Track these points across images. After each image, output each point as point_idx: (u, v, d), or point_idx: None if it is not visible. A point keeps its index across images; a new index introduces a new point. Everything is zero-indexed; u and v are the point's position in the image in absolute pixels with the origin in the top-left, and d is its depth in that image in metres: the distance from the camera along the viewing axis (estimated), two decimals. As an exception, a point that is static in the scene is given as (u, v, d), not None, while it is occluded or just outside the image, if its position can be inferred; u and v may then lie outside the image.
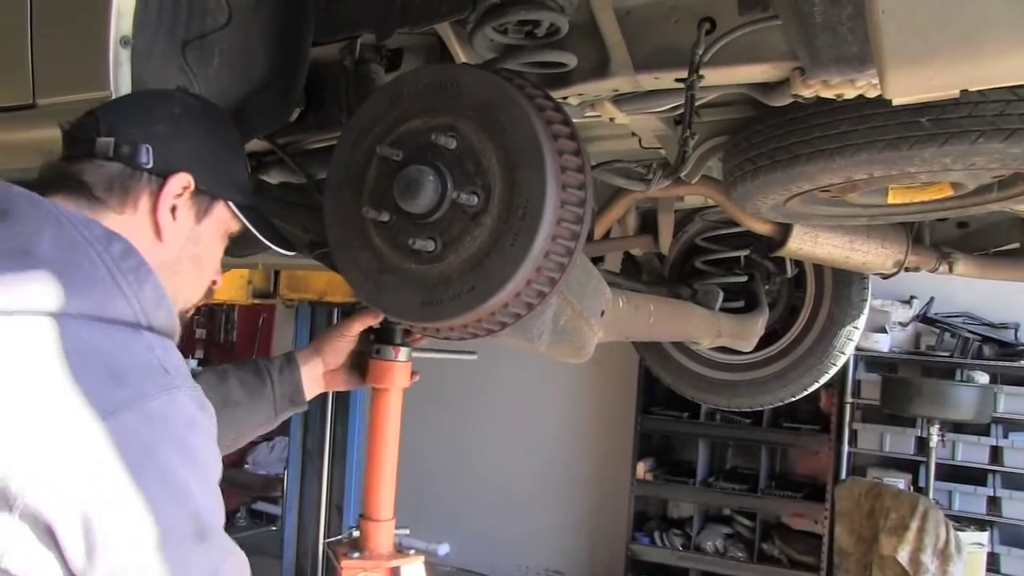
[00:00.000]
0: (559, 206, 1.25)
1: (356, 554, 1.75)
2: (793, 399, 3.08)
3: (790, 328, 3.02)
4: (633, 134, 1.88)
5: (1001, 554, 4.73)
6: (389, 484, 1.80)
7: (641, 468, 5.71)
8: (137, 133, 1.10)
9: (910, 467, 5.05)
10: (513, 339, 1.40)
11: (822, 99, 1.37)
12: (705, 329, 2.64)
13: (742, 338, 2.83)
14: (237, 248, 1.27)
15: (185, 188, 1.12)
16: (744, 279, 2.89)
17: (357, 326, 1.71)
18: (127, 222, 1.08)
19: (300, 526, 5.39)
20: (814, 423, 5.28)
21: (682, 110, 1.44)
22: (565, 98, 1.55)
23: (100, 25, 1.27)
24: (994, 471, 4.82)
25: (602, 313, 1.66)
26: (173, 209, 1.11)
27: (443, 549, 6.64)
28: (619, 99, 1.59)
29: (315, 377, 1.70)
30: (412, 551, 1.79)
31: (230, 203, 1.19)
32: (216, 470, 0.98)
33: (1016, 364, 4.81)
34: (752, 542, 5.43)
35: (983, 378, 4.75)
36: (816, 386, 3.04)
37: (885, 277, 2.47)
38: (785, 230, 2.19)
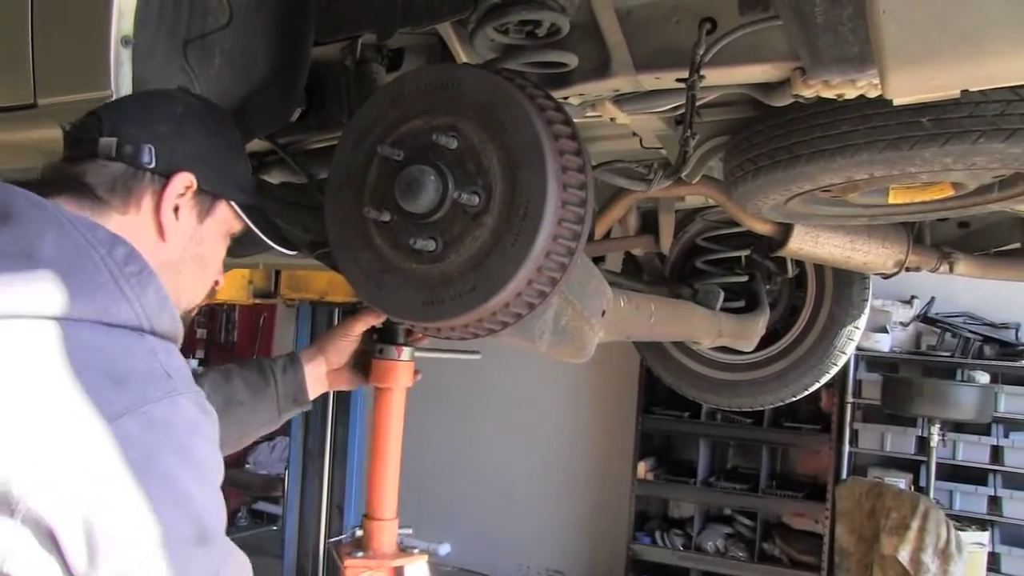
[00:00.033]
0: (560, 206, 1.25)
1: (360, 553, 1.75)
2: (794, 399, 3.08)
3: (791, 328, 3.02)
4: (634, 134, 1.88)
5: (1002, 554, 4.73)
6: (392, 483, 1.80)
7: (642, 468, 5.71)
8: (139, 133, 1.10)
9: (911, 467, 5.05)
10: (514, 339, 1.40)
11: (823, 99, 1.37)
12: (706, 329, 2.64)
13: (743, 338, 2.83)
14: (239, 248, 1.27)
15: (188, 188, 1.12)
16: (745, 279, 2.89)
17: (360, 326, 1.71)
18: (130, 222, 1.08)
19: (301, 526, 5.39)
20: (815, 423, 5.27)
21: (683, 110, 1.44)
22: (566, 98, 1.55)
23: (101, 25, 1.27)
24: (995, 471, 4.82)
25: (603, 313, 1.66)
26: (176, 209, 1.11)
27: (444, 549, 6.64)
28: (620, 99, 1.59)
29: (318, 377, 1.71)
30: (416, 550, 1.79)
31: (232, 203, 1.19)
32: (218, 474, 0.98)
33: (1017, 364, 4.81)
34: (753, 542, 5.43)
35: (984, 378, 4.75)
36: (817, 386, 3.04)
37: (886, 277, 2.47)
38: (786, 230, 2.19)
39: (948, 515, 4.25)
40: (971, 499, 4.83)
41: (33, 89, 1.39)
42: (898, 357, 5.10)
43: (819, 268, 2.93)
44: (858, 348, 3.82)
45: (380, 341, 1.75)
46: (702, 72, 1.32)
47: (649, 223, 2.61)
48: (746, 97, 1.58)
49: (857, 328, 2.93)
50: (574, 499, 6.44)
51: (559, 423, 6.47)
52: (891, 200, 1.78)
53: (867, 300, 2.93)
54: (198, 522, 0.91)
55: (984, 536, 4.38)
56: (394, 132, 1.34)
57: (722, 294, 2.73)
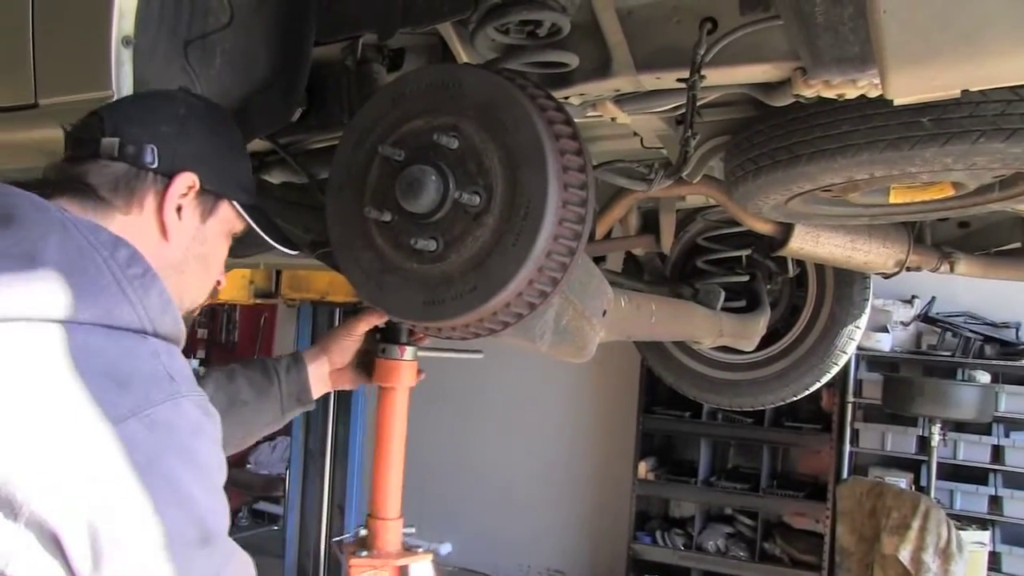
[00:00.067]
0: (561, 206, 1.25)
1: (364, 553, 1.75)
2: (795, 398, 3.08)
3: (792, 327, 3.03)
4: (635, 134, 1.88)
5: (1002, 553, 4.74)
6: (396, 482, 1.80)
7: (643, 467, 5.71)
8: (142, 133, 1.10)
9: (912, 466, 5.05)
10: (515, 339, 1.40)
11: (823, 99, 1.37)
12: (707, 329, 2.64)
13: (744, 337, 2.83)
14: (241, 248, 1.28)
15: (190, 188, 1.12)
16: (746, 279, 2.89)
17: (363, 325, 1.71)
18: (133, 222, 1.08)
19: (302, 526, 5.39)
20: (816, 422, 5.28)
21: (684, 110, 1.44)
22: (567, 98, 1.55)
23: (102, 25, 1.27)
24: (995, 470, 4.82)
25: (604, 313, 1.66)
26: (179, 209, 1.12)
27: (445, 549, 6.64)
28: (621, 99, 1.59)
29: (322, 376, 1.71)
30: (420, 549, 1.79)
31: (235, 203, 1.20)
32: (221, 475, 0.98)
33: (1017, 363, 4.81)
34: (754, 541, 5.43)
35: (984, 377, 4.75)
36: (818, 385, 3.04)
37: (887, 276, 2.47)
38: (787, 230, 2.19)
39: (949, 515, 4.25)
40: (972, 498, 4.83)
41: (34, 89, 1.39)
42: (899, 357, 5.10)
43: (820, 268, 2.93)
44: (859, 348, 3.82)
45: (383, 340, 1.75)
46: (703, 72, 1.32)
47: (650, 223, 2.61)
48: (747, 97, 1.58)
49: (858, 328, 2.93)
50: (575, 499, 6.44)
51: (560, 423, 6.48)
52: (892, 200, 1.78)
53: (868, 300, 2.93)
54: (201, 524, 0.91)
55: (985, 535, 4.38)
56: (395, 132, 1.34)
57: (723, 294, 2.73)
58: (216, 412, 1.00)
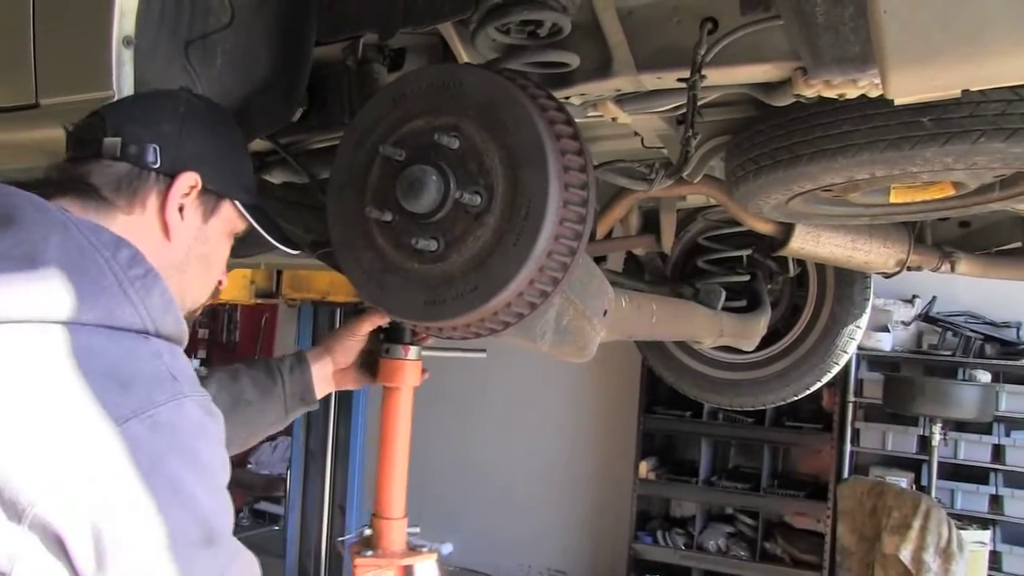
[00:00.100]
0: (562, 206, 1.25)
1: (369, 552, 1.75)
2: (795, 398, 3.08)
3: (792, 327, 3.03)
4: (635, 134, 1.88)
5: (1003, 553, 4.74)
6: (401, 482, 1.80)
7: (644, 467, 5.71)
8: (144, 133, 1.10)
9: (912, 466, 5.05)
10: (516, 338, 1.40)
11: (824, 99, 1.37)
12: (707, 328, 2.64)
13: (744, 337, 2.83)
14: (242, 248, 1.28)
15: (192, 187, 1.12)
16: (746, 278, 2.89)
17: (367, 325, 1.72)
18: (135, 222, 1.08)
19: (303, 526, 5.40)
20: (816, 422, 5.27)
21: (684, 110, 1.44)
22: (567, 98, 1.56)
23: (103, 25, 1.27)
24: (996, 470, 4.82)
25: (605, 312, 1.66)
26: (181, 208, 1.12)
27: (446, 549, 6.63)
28: (621, 99, 1.59)
29: (325, 376, 1.71)
30: (425, 549, 1.79)
31: (236, 202, 1.20)
32: (224, 475, 0.98)
33: (1018, 363, 4.81)
34: (755, 541, 5.43)
35: (985, 377, 4.74)
36: (818, 385, 3.04)
37: (887, 276, 2.47)
38: (787, 229, 2.19)
39: (949, 514, 4.25)
40: (972, 498, 4.82)
41: (35, 89, 1.39)
42: (899, 356, 5.10)
43: (820, 267, 2.93)
44: (860, 347, 3.82)
45: (387, 340, 1.75)
46: (703, 72, 1.33)
47: (651, 223, 2.61)
48: (747, 97, 1.58)
49: (859, 327, 2.93)
50: (576, 499, 6.44)
51: (561, 423, 6.48)
52: (892, 199, 1.79)
53: (868, 299, 2.93)
54: (204, 524, 0.91)
55: (985, 535, 4.38)
56: (396, 132, 1.34)
57: (724, 293, 2.73)
58: (219, 412, 1.00)
